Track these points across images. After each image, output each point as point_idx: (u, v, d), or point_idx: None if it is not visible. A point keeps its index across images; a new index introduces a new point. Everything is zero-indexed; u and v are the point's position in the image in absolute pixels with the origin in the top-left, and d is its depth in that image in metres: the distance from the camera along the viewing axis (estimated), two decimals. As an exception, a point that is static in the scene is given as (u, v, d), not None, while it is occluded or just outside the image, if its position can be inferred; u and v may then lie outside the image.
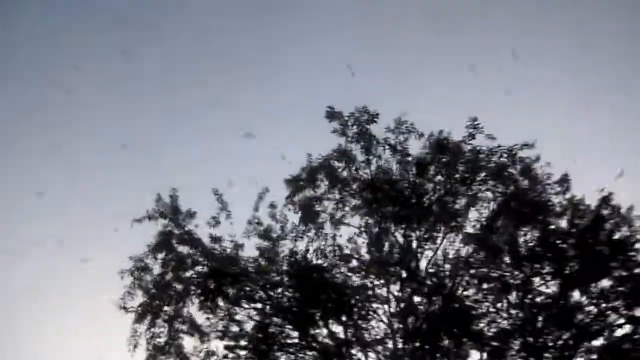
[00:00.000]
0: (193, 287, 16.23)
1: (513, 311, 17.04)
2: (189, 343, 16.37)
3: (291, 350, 16.53)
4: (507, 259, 16.57)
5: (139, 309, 16.00)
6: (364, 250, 17.33)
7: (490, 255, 16.39)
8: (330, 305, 16.01)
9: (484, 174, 16.65)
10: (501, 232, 16.67)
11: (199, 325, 16.26)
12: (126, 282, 16.08)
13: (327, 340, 16.38)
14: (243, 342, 16.37)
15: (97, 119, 31.06)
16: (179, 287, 16.33)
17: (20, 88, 29.36)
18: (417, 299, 16.69)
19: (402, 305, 16.59)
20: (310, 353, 16.60)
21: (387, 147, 16.86)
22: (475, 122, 16.35)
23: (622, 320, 16.66)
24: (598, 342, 16.82)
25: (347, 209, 17.25)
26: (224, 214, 16.60)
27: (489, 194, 16.68)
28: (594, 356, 16.86)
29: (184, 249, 16.48)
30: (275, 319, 16.40)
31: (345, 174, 17.08)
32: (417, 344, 16.00)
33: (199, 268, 16.45)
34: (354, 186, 17.08)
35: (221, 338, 16.26)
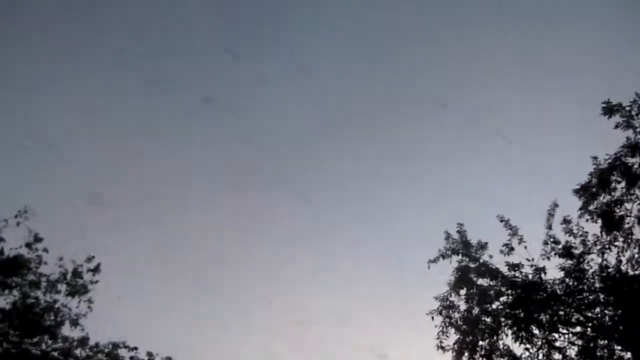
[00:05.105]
0: (502, 319, 15.96)
1: None
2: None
3: (628, 373, 14.90)
4: None
5: (455, 346, 16.24)
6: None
7: None
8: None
9: None
10: None
11: (518, 356, 15.77)
12: (437, 322, 16.54)
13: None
14: (571, 370, 15.38)
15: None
16: (488, 320, 16.20)
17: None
18: None
19: None
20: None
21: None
22: None
23: None
24: None
25: (657, 205, 15.11)
26: (515, 239, 16.19)
27: None
28: None
29: (483, 281, 16.42)
30: (600, 342, 15.05)
31: (643, 168, 15.09)
32: None
33: (503, 299, 16.15)
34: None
35: (544, 368, 15.51)
